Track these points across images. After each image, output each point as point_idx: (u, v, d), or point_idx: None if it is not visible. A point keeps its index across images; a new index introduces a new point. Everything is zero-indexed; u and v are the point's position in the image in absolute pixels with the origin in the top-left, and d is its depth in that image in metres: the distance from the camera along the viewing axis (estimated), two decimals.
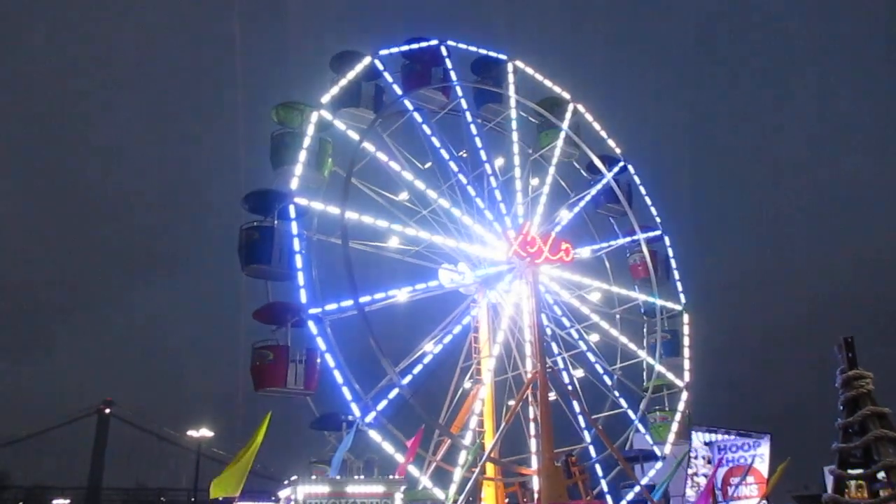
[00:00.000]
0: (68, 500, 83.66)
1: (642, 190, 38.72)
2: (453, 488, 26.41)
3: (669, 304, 37.35)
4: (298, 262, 26.88)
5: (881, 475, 18.25)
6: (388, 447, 26.03)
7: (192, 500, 66.83)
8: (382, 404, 26.62)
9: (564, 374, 33.03)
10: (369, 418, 26.05)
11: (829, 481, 22.67)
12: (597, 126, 38.45)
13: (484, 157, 33.11)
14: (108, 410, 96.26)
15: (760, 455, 31.37)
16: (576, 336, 34.37)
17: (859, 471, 18.94)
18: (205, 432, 56.30)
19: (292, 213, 27.42)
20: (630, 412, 34.60)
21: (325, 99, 30.33)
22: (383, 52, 32.38)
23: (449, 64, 33.84)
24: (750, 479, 30.46)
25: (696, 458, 31.47)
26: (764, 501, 30.46)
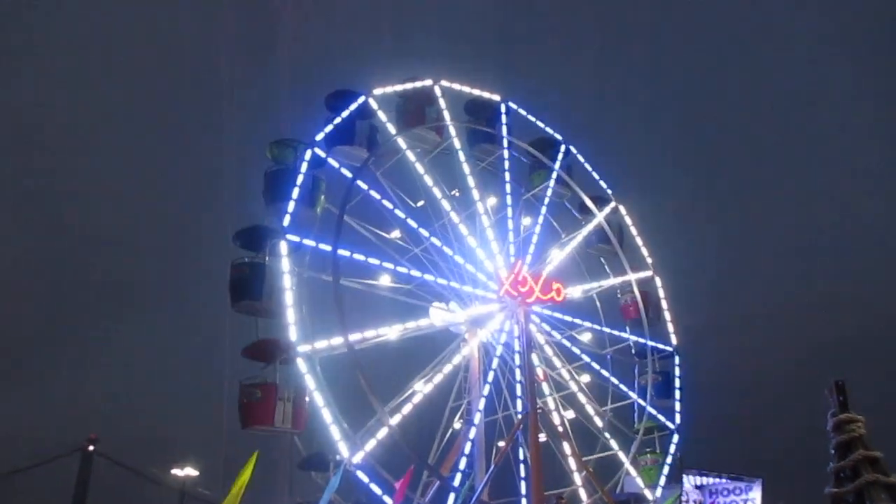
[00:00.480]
0: None
1: (633, 230, 38.99)
2: None
3: (661, 346, 37.31)
4: (289, 298, 26.74)
5: None
6: (375, 488, 25.63)
7: None
8: (371, 444, 26.30)
9: (555, 414, 32.79)
10: (357, 458, 25.68)
11: None
12: (588, 167, 38.85)
13: (476, 197, 33.32)
14: (91, 448, 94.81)
15: (752, 500, 31.06)
16: (567, 377, 34.22)
17: None
18: (189, 471, 55.42)
19: (283, 250, 27.38)
20: (621, 454, 34.27)
21: (320, 137, 30.55)
22: (378, 91, 32.73)
23: (443, 104, 34.21)
24: None
25: (686, 501, 31.12)
26: None
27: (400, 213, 31.13)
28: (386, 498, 25.09)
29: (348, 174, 30.38)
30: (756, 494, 31.14)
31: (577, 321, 35.46)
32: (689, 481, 31.70)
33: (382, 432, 26.56)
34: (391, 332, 28.89)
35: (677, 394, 36.63)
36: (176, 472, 55.52)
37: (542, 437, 29.44)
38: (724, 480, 31.82)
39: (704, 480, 32.00)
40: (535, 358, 31.51)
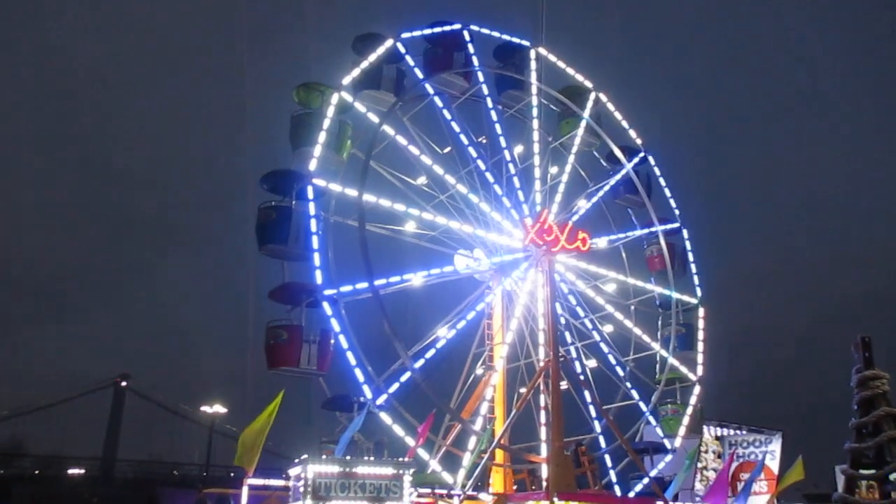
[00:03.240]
0: (83, 470, 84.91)
1: (662, 182, 38.47)
2: (462, 473, 26.51)
3: (685, 298, 37.15)
4: (315, 243, 26.96)
5: (893, 476, 18.10)
6: (398, 430, 26.18)
7: (205, 474, 67.64)
8: (394, 387, 26.74)
9: (577, 363, 33.01)
10: (380, 400, 26.17)
11: (840, 481, 22.53)
12: (618, 116, 38.18)
13: (503, 144, 33.00)
14: (124, 383, 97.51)
15: (771, 452, 31.29)
16: (590, 326, 34.30)
17: (871, 471, 18.80)
18: (218, 408, 56.92)
19: (310, 194, 27.46)
20: (641, 404, 34.52)
21: (346, 81, 30.26)
22: (405, 35, 32.23)
23: (471, 49, 33.65)
24: (759, 475, 30.38)
25: (706, 452, 31.43)
26: (774, 498, 30.39)
27: (426, 160, 30.98)
28: (408, 439, 25.63)
29: (375, 119, 30.20)
30: (776, 446, 31.36)
31: (602, 271, 35.36)
32: (708, 432, 31.98)
33: (406, 376, 26.98)
34: (415, 278, 29.07)
35: (700, 346, 36.62)
36: (205, 409, 57.01)
37: (564, 385, 29.70)
38: (743, 432, 32.04)
39: (724, 432, 32.26)
40: (558, 307, 31.59)
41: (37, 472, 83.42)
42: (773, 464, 31.02)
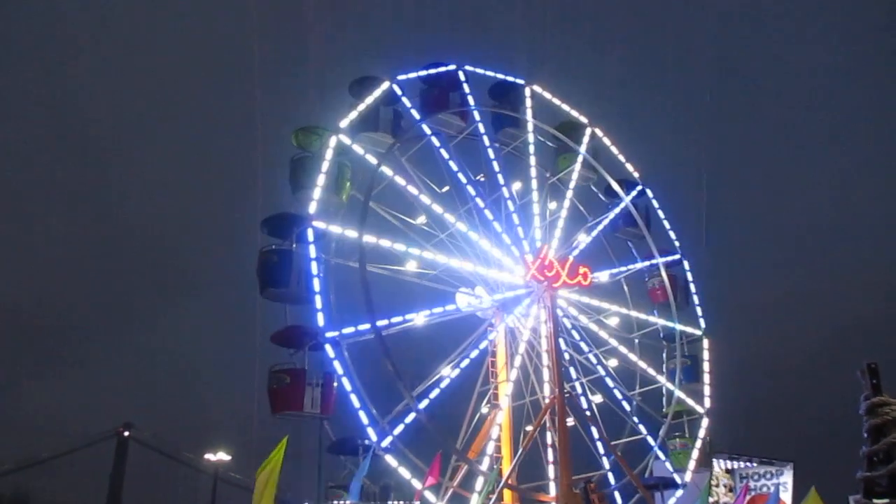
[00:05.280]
0: None
1: (661, 214, 38.59)
2: None
3: (689, 329, 37.00)
4: (316, 285, 26.98)
5: None
6: (404, 472, 25.86)
7: None
8: (399, 429, 26.51)
9: (583, 399, 32.73)
10: (386, 443, 25.91)
11: None
12: (614, 150, 38.47)
13: (502, 181, 33.21)
14: (126, 433, 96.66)
15: (783, 483, 30.86)
16: (594, 361, 34.07)
17: (885, 500, 18.49)
18: (222, 456, 56.21)
19: (310, 237, 27.57)
20: (650, 438, 34.10)
21: (344, 123, 30.59)
22: (401, 77, 32.69)
23: (467, 88, 34.09)
24: None
25: (717, 486, 31.00)
26: None
27: (425, 199, 31.13)
28: (414, 481, 25.30)
29: (373, 160, 30.44)
30: (787, 478, 30.96)
31: (605, 305, 35.26)
32: (719, 465, 31.56)
33: (410, 417, 26.75)
34: (418, 318, 28.99)
35: (706, 377, 36.33)
36: (209, 456, 56.30)
37: (570, 422, 29.40)
38: (754, 464, 31.63)
39: (734, 464, 31.84)
40: (562, 343, 31.44)
41: None
42: (786, 496, 30.60)
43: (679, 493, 33.00)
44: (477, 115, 33.96)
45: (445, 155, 32.33)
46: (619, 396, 34.48)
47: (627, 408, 34.40)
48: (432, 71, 33.64)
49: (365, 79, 32.20)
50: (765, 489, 30.77)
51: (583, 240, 35.55)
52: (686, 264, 38.24)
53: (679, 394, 35.07)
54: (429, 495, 25.58)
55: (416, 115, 32.44)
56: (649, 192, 38.46)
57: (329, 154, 29.42)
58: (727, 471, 31.77)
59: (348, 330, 26.87)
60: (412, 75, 33.18)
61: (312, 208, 28.13)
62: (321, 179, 28.79)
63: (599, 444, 31.59)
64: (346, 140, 30.36)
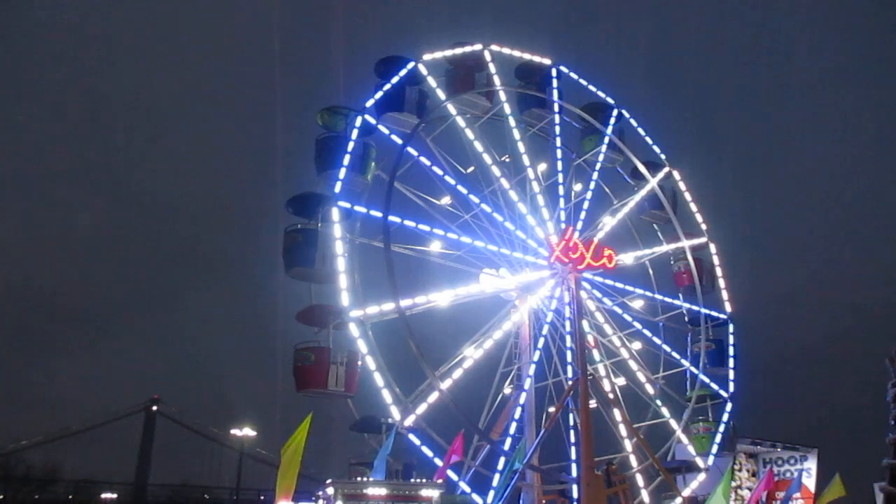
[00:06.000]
0: (115, 495, 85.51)
1: (688, 196, 38.20)
2: (491, 494, 26.31)
3: (714, 313, 36.74)
4: (341, 265, 27.12)
5: None
6: (426, 451, 26.08)
7: (235, 498, 67.79)
8: (422, 408, 26.71)
9: (606, 381, 32.70)
10: (409, 422, 26.14)
11: (880, 498, 22.03)
12: (641, 131, 38.17)
13: (527, 162, 33.06)
14: (155, 408, 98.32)
15: (807, 470, 30.61)
16: (618, 343, 34.00)
17: None
18: (248, 432, 57.00)
19: (336, 217, 27.68)
20: (672, 422, 34.02)
21: (370, 103, 30.59)
22: (427, 56, 32.54)
23: (492, 69, 33.86)
24: (796, 493, 29.73)
25: (740, 470, 30.84)
26: None
27: (450, 180, 31.10)
28: (437, 460, 25.51)
29: (398, 141, 30.42)
30: (812, 464, 30.68)
31: (629, 288, 35.09)
32: (742, 450, 31.37)
33: (433, 396, 26.93)
34: (442, 298, 29.08)
35: (731, 362, 36.12)
36: (235, 432, 57.16)
37: (593, 404, 29.42)
38: (778, 450, 31.39)
39: (758, 449, 31.63)
40: (585, 325, 31.39)
41: (70, 497, 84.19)
42: (810, 482, 30.33)
43: (701, 476, 32.97)
44: (503, 96, 33.75)
45: (470, 136, 32.24)
46: (643, 379, 34.41)
47: (651, 391, 34.32)
48: (458, 51, 33.43)
49: (391, 59, 32.11)
50: (788, 475, 30.54)
51: (608, 222, 35.36)
52: (713, 247, 37.88)
53: (703, 378, 34.91)
54: (450, 473, 25.77)
55: (441, 95, 32.32)
56: (676, 175, 38.07)
57: (354, 134, 29.44)
58: (750, 456, 31.56)
59: (373, 309, 27.03)
60: (438, 55, 33.00)
61: (338, 188, 28.21)
62: (346, 160, 28.84)
63: (622, 427, 31.59)
64: (372, 120, 30.36)
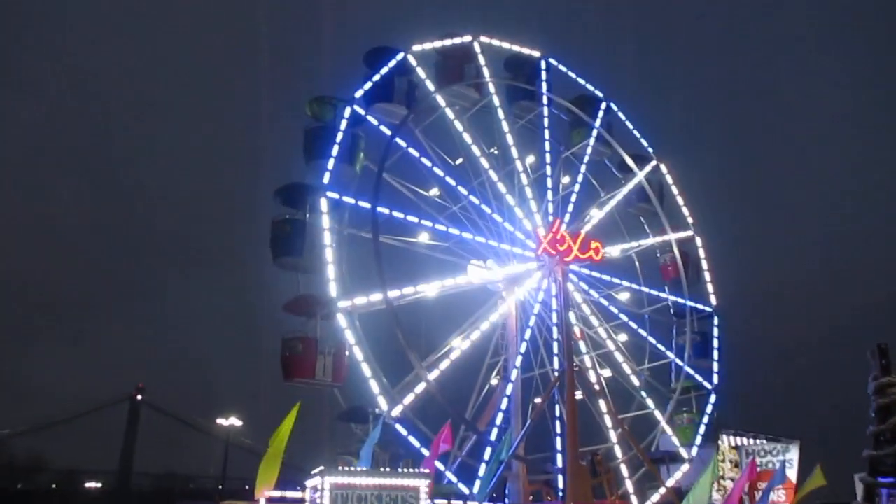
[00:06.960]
0: (100, 484, 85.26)
1: (674, 189, 38.45)
2: (478, 484, 26.48)
3: (700, 306, 37.05)
4: (329, 255, 27.12)
5: None
6: (413, 441, 26.20)
7: (220, 487, 67.74)
8: (409, 398, 26.81)
9: (592, 373, 32.93)
10: (396, 412, 26.24)
11: (860, 489, 22.35)
12: (629, 124, 38.29)
13: (515, 155, 33.12)
14: (139, 397, 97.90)
15: (789, 461, 31.03)
16: (604, 335, 34.23)
17: (890, 479, 18.67)
18: (234, 421, 57.02)
19: (324, 207, 27.64)
20: (657, 413, 34.33)
21: (359, 94, 30.52)
22: (416, 47, 32.48)
23: (482, 60, 33.85)
24: (779, 483, 30.12)
25: (723, 461, 31.22)
26: None
27: (438, 171, 31.13)
28: (423, 450, 25.63)
29: (387, 131, 30.39)
30: (793, 455, 31.12)
31: (616, 280, 35.32)
32: (725, 441, 31.77)
33: (420, 387, 27.03)
34: (429, 289, 29.16)
35: (715, 354, 36.45)
36: (220, 421, 57.16)
37: (579, 395, 29.62)
38: (761, 441, 31.81)
39: (741, 441, 32.03)
40: (572, 316, 31.57)
41: (54, 486, 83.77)
42: (792, 473, 30.77)
43: (685, 467, 33.33)
44: (492, 88, 33.75)
45: (459, 127, 32.25)
46: (628, 371, 34.69)
47: (636, 382, 34.61)
48: (447, 42, 33.39)
49: (380, 49, 32.03)
50: (770, 465, 30.96)
51: (595, 214, 35.52)
52: (699, 241, 38.15)
53: (687, 369, 35.23)
54: (437, 464, 25.89)
55: (430, 86, 32.29)
56: (663, 168, 38.30)
57: (343, 124, 29.37)
58: (733, 447, 31.96)
59: (360, 300, 27.06)
60: (427, 46, 32.95)
61: (326, 178, 28.17)
62: (335, 150, 28.79)
63: (607, 418, 31.85)
64: (361, 111, 30.30)
